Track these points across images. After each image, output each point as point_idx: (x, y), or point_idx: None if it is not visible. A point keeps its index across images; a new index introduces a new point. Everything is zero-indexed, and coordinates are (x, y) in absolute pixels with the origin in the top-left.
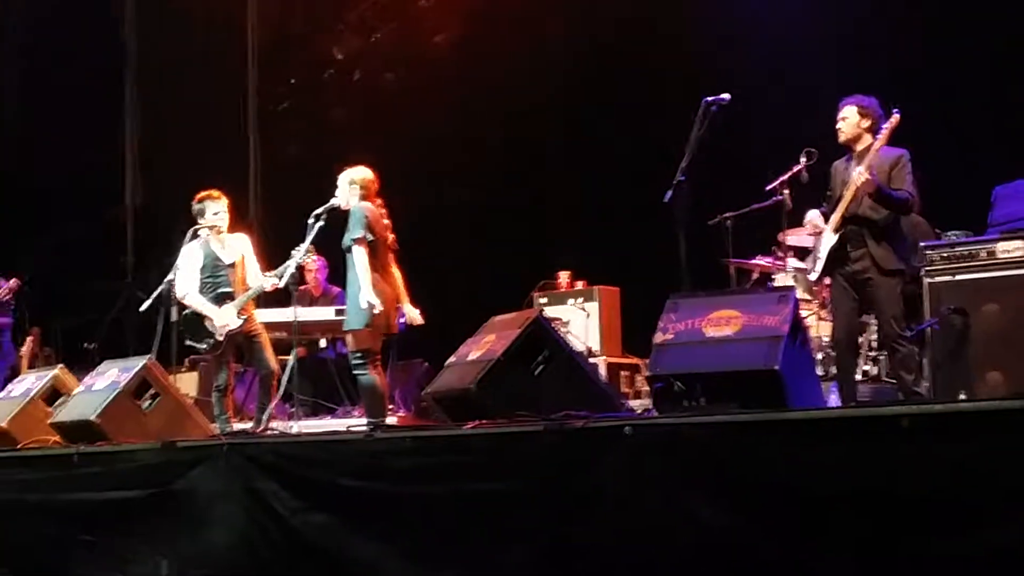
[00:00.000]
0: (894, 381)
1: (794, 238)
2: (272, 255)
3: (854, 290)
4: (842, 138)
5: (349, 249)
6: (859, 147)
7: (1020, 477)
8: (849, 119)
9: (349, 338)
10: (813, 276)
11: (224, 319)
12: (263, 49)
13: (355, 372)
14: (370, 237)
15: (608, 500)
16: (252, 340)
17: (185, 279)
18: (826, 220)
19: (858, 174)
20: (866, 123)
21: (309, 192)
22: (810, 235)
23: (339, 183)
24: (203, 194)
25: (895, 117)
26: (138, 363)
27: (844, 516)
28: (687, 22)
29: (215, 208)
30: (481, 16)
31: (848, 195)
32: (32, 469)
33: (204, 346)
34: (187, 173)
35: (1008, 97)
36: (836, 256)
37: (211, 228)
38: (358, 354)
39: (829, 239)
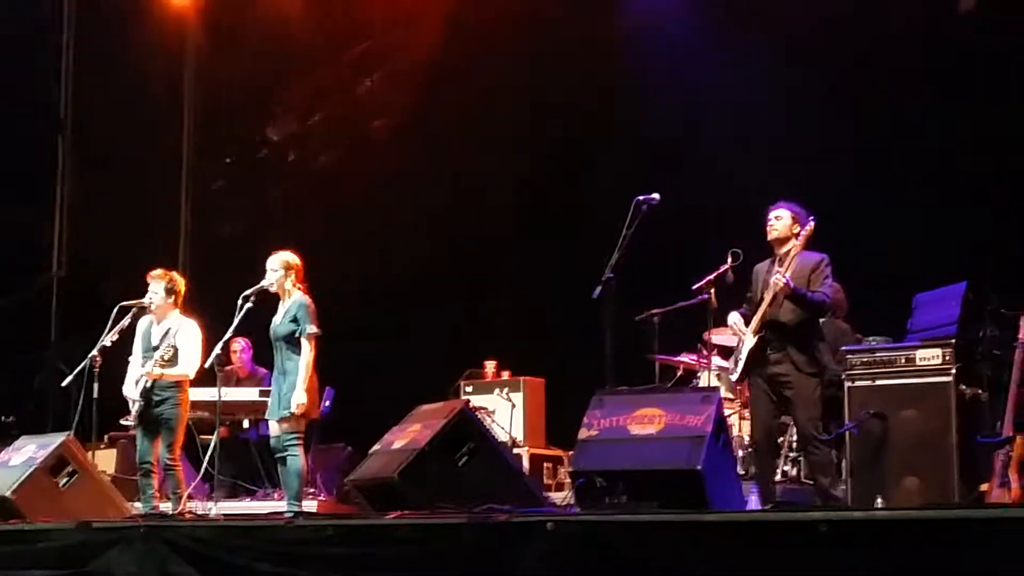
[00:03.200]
0: (812, 482)
1: (719, 337)
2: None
3: (773, 392)
4: (773, 235)
5: (289, 337)
6: (783, 250)
7: None
8: (783, 220)
9: (284, 423)
10: (734, 377)
11: (128, 389)
12: (199, 124)
13: (289, 454)
14: (318, 332)
15: None
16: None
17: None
18: (746, 322)
19: (776, 278)
20: (796, 228)
21: (240, 270)
22: (732, 335)
23: (270, 265)
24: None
25: (811, 224)
26: (56, 439)
27: None
28: (621, 123)
29: (152, 287)
30: (421, 105)
31: (768, 298)
32: None
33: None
34: (117, 244)
35: (931, 204)
36: (755, 358)
37: (148, 306)
38: (294, 436)
39: (749, 341)
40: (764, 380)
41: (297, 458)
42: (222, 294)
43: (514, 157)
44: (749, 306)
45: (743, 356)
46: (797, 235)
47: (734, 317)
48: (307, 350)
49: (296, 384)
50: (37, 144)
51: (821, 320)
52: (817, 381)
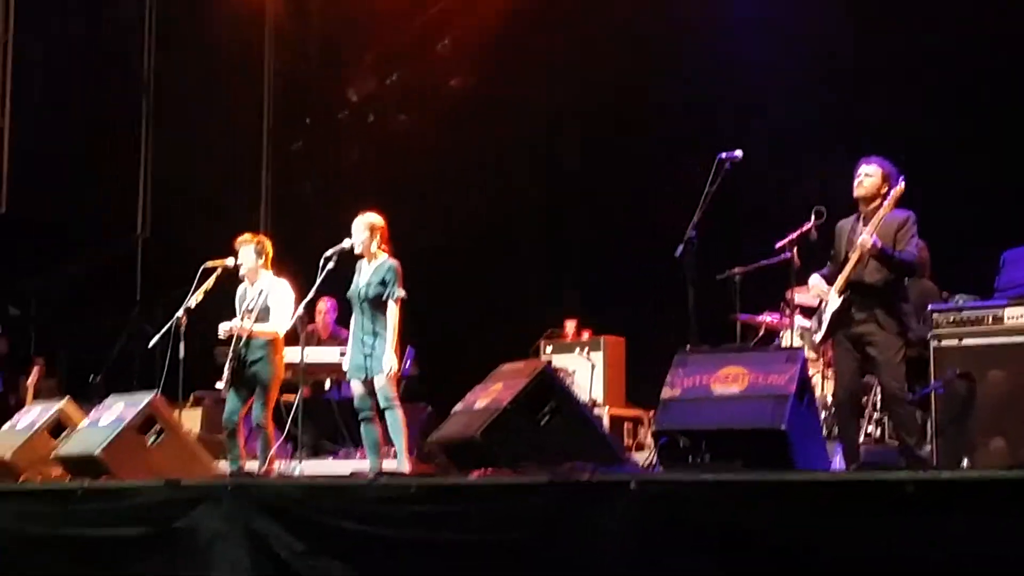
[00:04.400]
0: (896, 443)
1: (801, 296)
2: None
3: (857, 351)
4: (861, 192)
5: (377, 300)
6: (868, 208)
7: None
8: (873, 178)
9: (382, 379)
10: (817, 338)
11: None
12: (279, 87)
13: (389, 414)
14: (405, 295)
15: (610, 554)
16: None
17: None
18: (828, 281)
19: (864, 238)
20: (884, 187)
21: (320, 232)
22: (814, 297)
23: (355, 227)
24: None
25: (900, 185)
26: (144, 398)
27: None
28: (704, 75)
29: (241, 252)
30: (497, 62)
31: (853, 258)
32: (34, 502)
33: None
34: (199, 208)
35: (1018, 160)
36: (840, 318)
37: (238, 270)
38: (391, 396)
39: (834, 301)
40: (848, 340)
41: (398, 416)
42: (301, 255)
43: (590, 113)
44: (833, 265)
45: (827, 316)
46: (885, 195)
47: (815, 279)
48: (394, 313)
49: (387, 347)
50: (120, 107)
51: (906, 280)
52: (902, 341)
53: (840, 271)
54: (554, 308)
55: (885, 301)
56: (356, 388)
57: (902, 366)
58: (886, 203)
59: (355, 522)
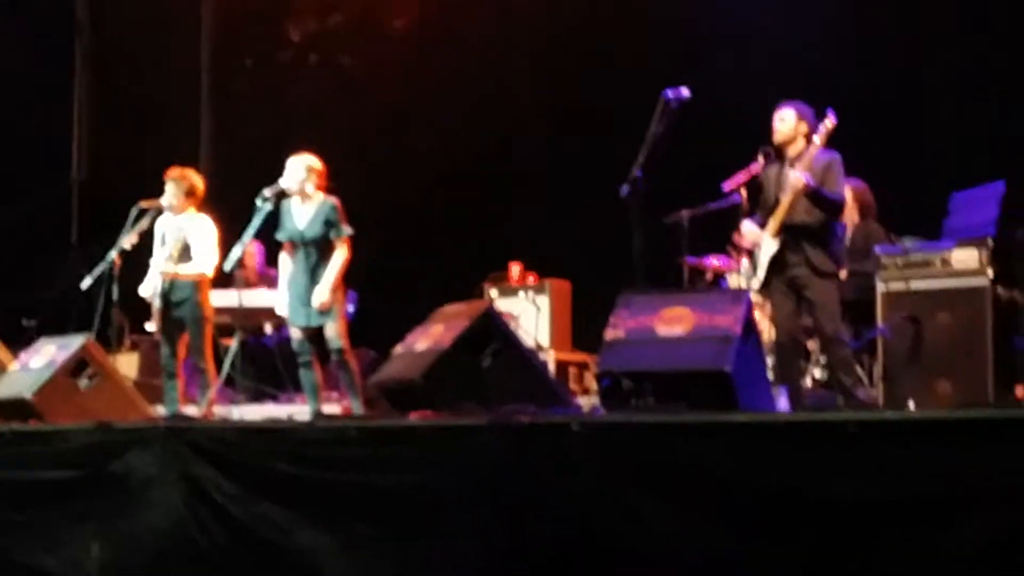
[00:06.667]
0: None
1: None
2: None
3: (793, 293)
4: (779, 139)
5: (320, 240)
6: (793, 151)
7: (967, 485)
8: (787, 121)
9: (333, 328)
10: (756, 283)
11: (144, 288)
12: (218, 28)
13: (343, 360)
14: (352, 232)
15: (552, 497)
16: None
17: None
18: (760, 227)
19: (796, 176)
20: (803, 128)
21: (260, 174)
22: (749, 244)
23: (291, 166)
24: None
25: (830, 120)
26: (76, 341)
27: (790, 521)
28: (651, 13)
29: (168, 186)
30: (442, 1)
31: (785, 201)
32: None
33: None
34: (136, 148)
35: (968, 99)
36: (775, 262)
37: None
38: (342, 344)
39: (768, 245)
40: (784, 283)
41: (350, 363)
42: (243, 198)
43: (537, 52)
44: (762, 212)
45: (764, 262)
46: (808, 135)
47: (748, 225)
48: (342, 252)
49: (325, 283)
50: (54, 48)
51: (853, 223)
52: (836, 283)
53: (771, 215)
54: (497, 250)
55: (818, 242)
56: (295, 334)
57: (837, 307)
58: (816, 139)
59: (292, 465)
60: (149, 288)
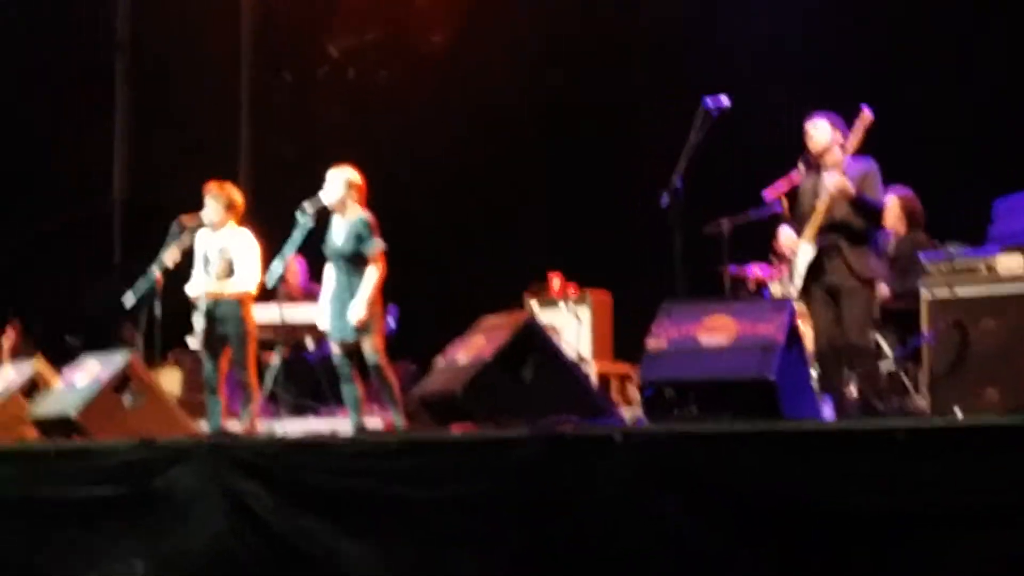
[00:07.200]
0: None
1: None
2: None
3: (834, 300)
4: (815, 148)
5: (353, 256)
6: (830, 160)
7: (1014, 493)
8: (820, 131)
9: (370, 344)
10: (794, 291)
11: (192, 289)
12: (257, 44)
13: (381, 375)
14: (385, 246)
15: (595, 508)
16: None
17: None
18: (797, 234)
19: (837, 180)
20: (838, 136)
21: (299, 189)
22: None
23: (330, 179)
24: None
25: (867, 114)
26: (120, 358)
27: (837, 530)
28: (688, 23)
29: (207, 201)
30: (478, 16)
31: (822, 207)
32: (8, 464)
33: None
34: (177, 167)
35: (1010, 105)
36: (813, 268)
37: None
38: (380, 359)
39: (806, 252)
40: (823, 290)
41: (389, 376)
42: (282, 212)
43: (576, 60)
44: (798, 220)
45: (801, 268)
46: (842, 145)
47: (785, 231)
48: (376, 266)
49: (360, 299)
50: (94, 66)
51: (899, 234)
52: (870, 291)
53: (806, 223)
54: (537, 261)
55: (855, 246)
56: (335, 348)
57: (867, 318)
58: (852, 137)
59: (334, 478)
60: (195, 289)
